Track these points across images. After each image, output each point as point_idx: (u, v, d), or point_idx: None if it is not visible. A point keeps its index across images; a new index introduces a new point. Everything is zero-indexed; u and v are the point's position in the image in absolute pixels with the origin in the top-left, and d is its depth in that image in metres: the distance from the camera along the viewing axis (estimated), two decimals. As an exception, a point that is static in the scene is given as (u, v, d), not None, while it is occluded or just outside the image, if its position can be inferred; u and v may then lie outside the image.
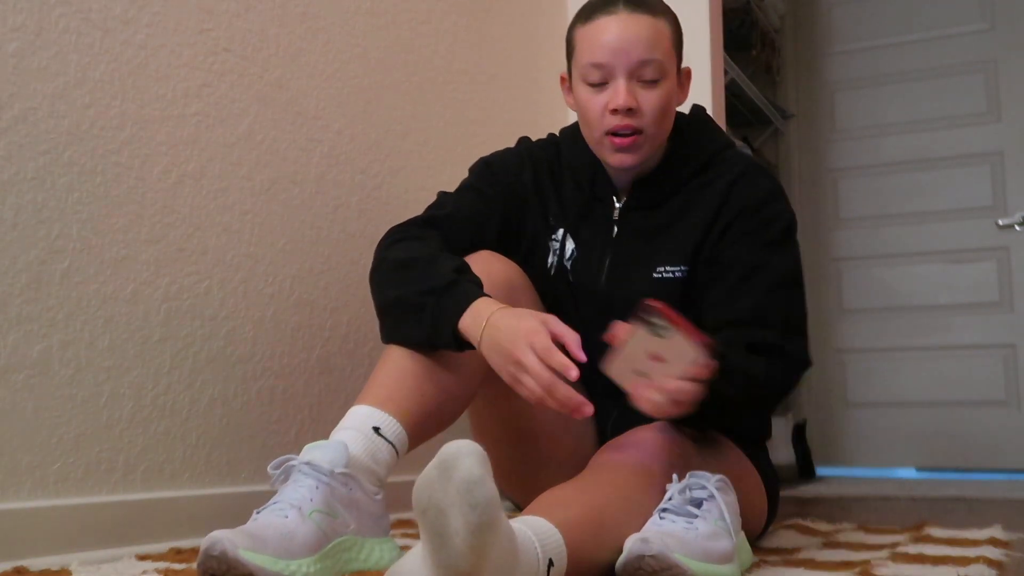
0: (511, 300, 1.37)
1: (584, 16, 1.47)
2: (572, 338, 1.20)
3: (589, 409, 1.19)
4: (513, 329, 1.22)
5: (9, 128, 1.38)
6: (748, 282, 1.43)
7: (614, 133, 1.44)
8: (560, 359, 1.17)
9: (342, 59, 1.97)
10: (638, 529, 1.14)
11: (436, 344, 1.32)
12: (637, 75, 1.42)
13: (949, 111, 3.94)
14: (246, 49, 1.76)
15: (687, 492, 1.19)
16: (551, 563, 1.03)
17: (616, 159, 1.47)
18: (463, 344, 1.30)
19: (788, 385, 1.43)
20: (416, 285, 1.33)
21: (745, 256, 1.44)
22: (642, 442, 1.31)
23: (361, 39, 2.02)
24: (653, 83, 1.43)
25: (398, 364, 1.34)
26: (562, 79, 1.55)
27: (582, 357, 1.18)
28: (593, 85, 1.44)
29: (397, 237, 1.45)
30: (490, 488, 0.86)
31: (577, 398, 1.18)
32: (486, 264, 1.42)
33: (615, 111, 1.42)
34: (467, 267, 1.37)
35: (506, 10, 2.51)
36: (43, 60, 1.43)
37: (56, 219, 1.43)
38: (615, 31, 1.42)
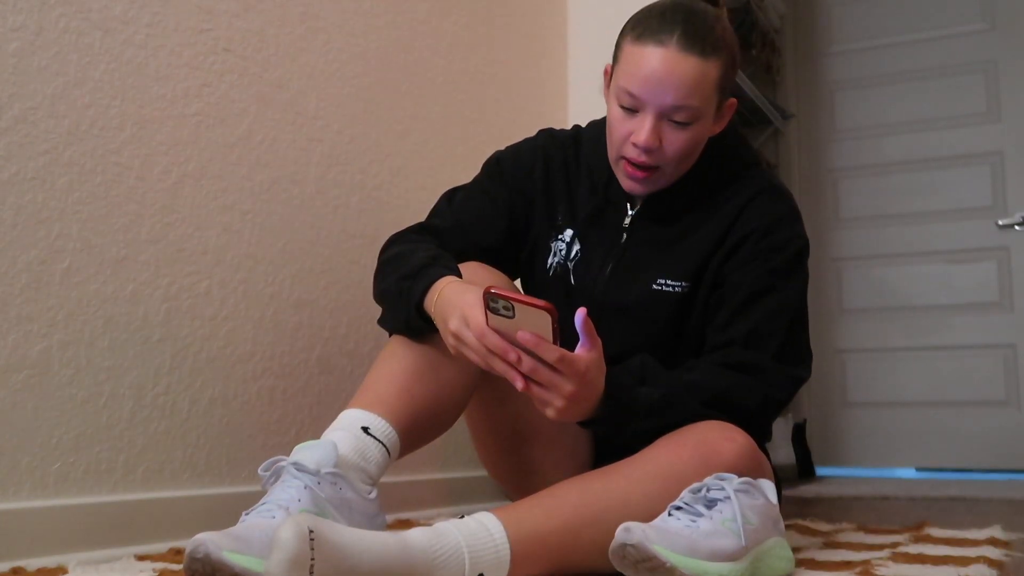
0: None
1: (638, 31, 1.38)
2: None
3: (520, 384, 1.18)
4: (452, 302, 1.24)
5: (9, 128, 1.38)
6: (750, 307, 1.41)
7: (630, 161, 1.42)
8: (494, 340, 1.17)
9: (342, 59, 1.97)
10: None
11: (411, 325, 1.34)
12: (668, 116, 1.37)
13: (949, 111, 3.93)
14: (246, 49, 1.76)
15: (704, 492, 1.19)
16: None
17: (627, 184, 1.45)
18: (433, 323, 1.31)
19: (770, 400, 1.39)
20: (396, 274, 1.37)
21: (750, 281, 1.43)
22: (703, 442, 1.28)
23: (361, 39, 2.02)
24: (684, 125, 1.38)
25: (387, 368, 1.35)
26: (606, 71, 1.48)
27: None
28: (624, 108, 1.40)
29: (393, 240, 1.50)
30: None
31: (511, 374, 1.18)
32: (472, 275, 1.42)
33: (636, 145, 1.39)
34: (443, 256, 1.38)
35: (506, 10, 2.51)
36: (43, 60, 1.43)
37: (56, 219, 1.43)
38: (657, 67, 1.34)
